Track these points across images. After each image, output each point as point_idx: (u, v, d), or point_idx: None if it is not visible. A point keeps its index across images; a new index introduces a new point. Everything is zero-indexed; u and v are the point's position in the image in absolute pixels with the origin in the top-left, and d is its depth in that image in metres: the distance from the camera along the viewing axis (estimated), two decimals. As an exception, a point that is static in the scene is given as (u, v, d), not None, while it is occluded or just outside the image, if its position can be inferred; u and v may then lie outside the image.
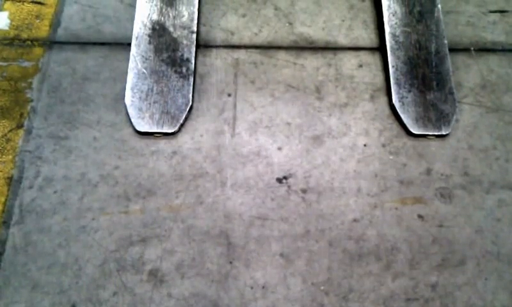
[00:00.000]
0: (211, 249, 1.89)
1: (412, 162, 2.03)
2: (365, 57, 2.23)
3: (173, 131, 2.27)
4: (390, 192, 1.98)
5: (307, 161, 2.03)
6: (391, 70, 2.39)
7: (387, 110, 2.13)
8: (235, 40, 2.25)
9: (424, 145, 2.07)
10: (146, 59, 2.37)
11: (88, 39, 2.24)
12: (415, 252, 1.90)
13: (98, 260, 2.00)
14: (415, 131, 2.31)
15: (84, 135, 2.08)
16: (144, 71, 2.35)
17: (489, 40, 2.27)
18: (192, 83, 2.33)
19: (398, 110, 2.33)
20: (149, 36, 2.41)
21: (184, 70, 2.36)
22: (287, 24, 2.29)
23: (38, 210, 2.08)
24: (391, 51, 2.42)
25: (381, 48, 2.24)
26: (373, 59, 2.22)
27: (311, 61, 2.21)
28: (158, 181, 1.98)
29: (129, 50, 2.21)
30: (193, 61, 2.32)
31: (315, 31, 2.28)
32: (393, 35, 2.44)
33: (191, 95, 2.32)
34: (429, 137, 2.33)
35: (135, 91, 2.33)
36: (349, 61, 2.21)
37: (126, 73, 2.19)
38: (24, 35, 2.32)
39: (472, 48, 2.24)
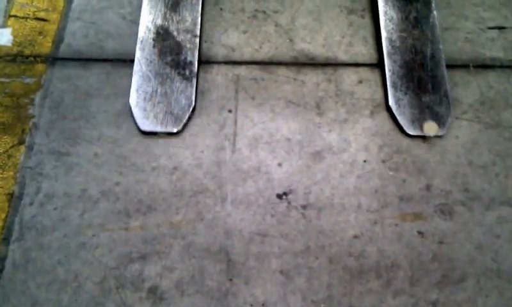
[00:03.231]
0: (211, 266, 1.77)
1: (412, 178, 1.90)
2: (365, 73, 2.11)
3: (176, 130, 2.23)
4: (390, 208, 1.86)
5: (307, 177, 1.91)
6: (387, 74, 2.34)
7: (387, 126, 2.01)
8: (236, 56, 2.13)
9: (424, 161, 1.92)
10: (150, 62, 2.33)
11: (90, 56, 2.13)
12: (415, 269, 1.77)
13: (97, 277, 1.90)
14: (411, 132, 2.26)
15: (86, 151, 1.97)
16: (149, 73, 2.31)
17: (487, 56, 2.15)
18: (195, 85, 2.30)
19: (394, 112, 2.27)
20: (153, 40, 2.37)
21: (187, 72, 2.33)
22: (288, 40, 2.18)
23: (38, 227, 1.98)
24: (387, 55, 2.38)
25: (380, 65, 2.10)
26: (373, 75, 2.10)
27: (311, 77, 2.09)
28: (158, 198, 1.86)
29: (131, 66, 2.11)
30: (196, 64, 2.30)
31: (315, 47, 2.16)
32: (390, 40, 2.40)
33: (193, 96, 2.27)
34: (425, 138, 2.27)
35: (140, 92, 2.29)
36: (349, 77, 2.09)
37: (128, 89, 2.10)
38: (27, 51, 2.22)
39: (471, 65, 2.12)
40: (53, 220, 1.87)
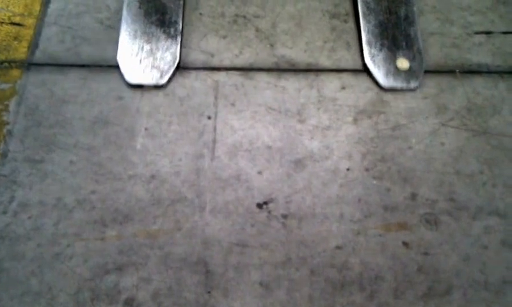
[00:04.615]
0: (189, 278, 1.74)
1: (396, 186, 1.89)
2: (348, 79, 2.10)
3: (162, 83, 2.34)
4: (374, 218, 1.84)
5: (288, 186, 1.89)
6: (363, 34, 2.44)
7: (371, 133, 1.98)
8: (215, 62, 2.12)
9: (408, 170, 1.90)
10: (136, 21, 2.42)
11: (66, 61, 2.11)
12: (400, 281, 1.75)
13: (72, 289, 1.88)
14: (385, 85, 2.35)
15: (61, 159, 1.97)
16: (135, 32, 2.42)
17: (474, 62, 2.14)
18: (179, 42, 2.41)
19: (369, 68, 2.36)
20: (139, 1, 2.47)
21: (172, 31, 2.43)
22: (268, 46, 2.16)
23: (12, 236, 1.96)
24: (363, 16, 2.48)
25: (364, 70, 2.08)
26: (356, 81, 2.08)
27: (292, 83, 2.07)
28: (135, 206, 1.84)
29: (108, 72, 2.11)
30: (180, 23, 2.43)
31: (296, 53, 2.15)
32: (365, 2, 2.50)
33: (178, 53, 2.38)
34: (398, 90, 2.35)
35: (127, 49, 2.38)
36: (331, 83, 2.07)
37: (105, 96, 2.09)
38: (2, 57, 2.22)
39: (457, 70, 2.10)
40: (27, 230, 1.85)
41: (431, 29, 2.26)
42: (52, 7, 2.28)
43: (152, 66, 2.35)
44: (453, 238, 1.99)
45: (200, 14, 2.27)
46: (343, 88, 2.10)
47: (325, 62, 2.17)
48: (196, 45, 2.20)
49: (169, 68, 2.33)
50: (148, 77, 2.30)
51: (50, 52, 2.16)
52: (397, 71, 2.35)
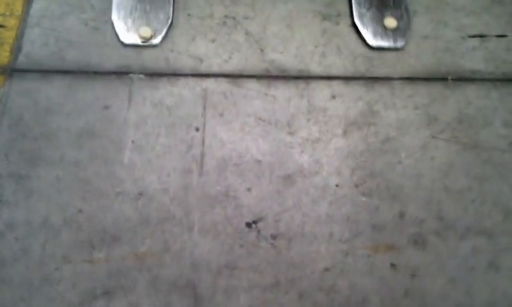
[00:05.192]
0: (177, 301, 1.78)
1: (385, 204, 1.91)
2: (339, 87, 2.08)
3: (155, 43, 2.40)
4: (363, 237, 1.86)
5: (278, 203, 1.90)
6: None
7: (361, 146, 1.98)
8: (204, 68, 2.09)
9: (397, 187, 1.91)
10: None
11: (50, 67, 2.08)
12: (387, 305, 1.77)
13: (61, 314, 1.69)
14: (373, 44, 2.43)
15: (47, 174, 1.99)
16: None
17: (467, 68, 2.13)
18: (172, 2, 2.46)
19: (358, 27, 2.44)
20: None
21: None
22: (258, 50, 2.13)
23: (-1, 258, 1.74)
24: None
25: (355, 77, 2.07)
26: (346, 90, 2.08)
27: (283, 92, 2.05)
28: (123, 226, 1.85)
29: (94, 79, 2.07)
30: None
31: (287, 58, 2.12)
32: None
33: (171, 12, 2.43)
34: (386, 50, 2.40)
35: (120, 9, 2.44)
36: (321, 92, 2.06)
37: (91, 105, 2.09)
38: (-17, 62, 2.03)
39: (450, 78, 2.09)
40: (14, 251, 1.85)
41: (425, 32, 2.23)
42: (35, 7, 2.23)
43: (146, 26, 2.40)
44: (440, 259, 2.03)
45: (189, 15, 2.23)
46: (333, 97, 2.09)
47: (316, 68, 2.14)
48: (184, 49, 2.16)
49: (162, 27, 2.40)
50: (142, 36, 2.35)
51: (34, 57, 2.12)
52: (384, 31, 2.46)
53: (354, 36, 2.24)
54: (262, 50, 2.18)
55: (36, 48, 2.16)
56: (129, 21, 2.40)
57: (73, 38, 2.19)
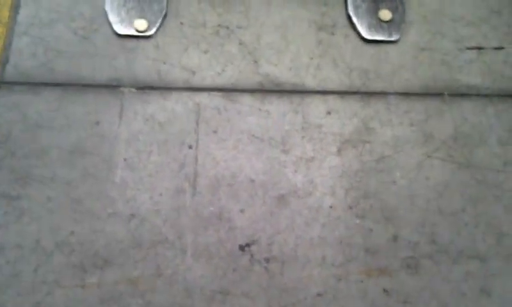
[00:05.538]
0: (171, 328, 1.76)
1: (379, 227, 1.91)
2: (334, 102, 2.06)
3: (149, 34, 2.39)
4: (356, 262, 1.87)
5: (271, 225, 1.90)
6: None
7: (355, 165, 1.97)
8: (196, 81, 2.06)
9: (391, 209, 1.91)
10: None
11: (39, 79, 2.04)
12: (379, 333, 1.79)
13: (53, 342, 1.69)
14: (367, 37, 2.41)
15: (38, 195, 1.94)
16: None
17: (464, 83, 2.11)
18: None
19: (353, 19, 2.43)
20: None
21: None
22: (252, 62, 2.10)
23: (-9, 282, 1.73)
24: None
25: (350, 92, 2.05)
26: (342, 105, 2.05)
27: (277, 107, 2.03)
28: (115, 249, 1.84)
29: (85, 92, 2.04)
30: None
31: (281, 71, 2.09)
32: None
33: (165, 3, 2.41)
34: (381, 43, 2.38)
35: (119, 3, 2.37)
36: (316, 107, 2.04)
37: (82, 120, 2.04)
38: (-30, 73, 1.98)
39: (446, 93, 2.06)
40: (6, 276, 1.84)
41: (422, 44, 2.20)
42: (22, 14, 2.17)
43: (140, 17, 2.38)
44: (433, 284, 2.02)
45: (181, 23, 2.18)
46: (328, 113, 2.07)
47: (311, 82, 2.12)
48: (177, 60, 2.13)
49: (156, 19, 2.38)
50: (136, 27, 2.34)
51: (22, 68, 2.08)
52: (379, 23, 2.42)
53: (350, 46, 2.19)
54: (256, 62, 2.13)
55: (24, 58, 2.11)
56: (123, 13, 2.39)
57: (63, 48, 2.13)
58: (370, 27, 2.39)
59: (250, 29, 2.18)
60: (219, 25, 2.19)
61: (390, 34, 2.42)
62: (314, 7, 2.25)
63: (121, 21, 2.35)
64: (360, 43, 2.21)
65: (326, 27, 2.22)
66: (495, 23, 2.26)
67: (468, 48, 2.19)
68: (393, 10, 2.34)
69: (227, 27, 2.19)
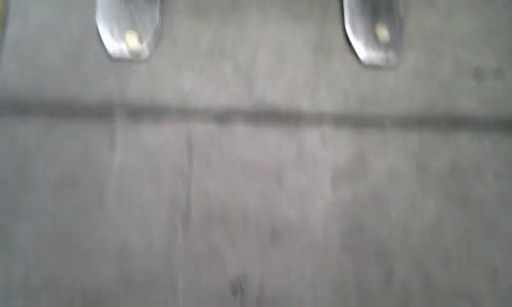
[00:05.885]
0: None
1: (372, 266, 1.54)
2: (329, 130, 1.53)
3: (142, 53, 1.77)
4: (349, 301, 1.59)
5: (263, 263, 1.71)
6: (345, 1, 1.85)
7: (349, 200, 1.36)
8: (190, 106, 1.55)
9: (385, 246, 1.31)
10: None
11: (28, 102, 1.52)
12: None
13: None
14: (364, 58, 1.79)
15: (26, 229, 1.64)
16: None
17: (461, 111, 1.52)
18: (158, 4, 1.80)
19: (349, 38, 1.81)
20: None
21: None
22: (247, 85, 1.46)
23: (-21, 327, 1.60)
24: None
25: (346, 119, 1.40)
26: (337, 134, 1.51)
27: (272, 135, 1.48)
28: (105, 289, 1.53)
29: (74, 116, 1.58)
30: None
31: (277, 95, 1.50)
32: None
33: (158, 18, 1.78)
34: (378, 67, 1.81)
35: (105, 14, 1.77)
36: (311, 136, 1.48)
37: (71, 147, 1.72)
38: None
39: (443, 122, 1.39)
40: (-6, 318, 1.61)
41: (420, 68, 1.57)
42: (10, 30, 1.47)
43: (133, 34, 1.78)
44: (425, 329, 1.67)
45: (175, 42, 1.49)
46: (324, 142, 1.54)
47: (307, 107, 1.59)
48: (170, 83, 1.55)
49: (149, 37, 1.77)
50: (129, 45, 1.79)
51: (10, 89, 1.56)
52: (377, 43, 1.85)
53: (346, 69, 1.52)
54: (250, 85, 1.49)
55: (13, 78, 1.58)
56: (115, 31, 1.76)
57: (52, 69, 1.52)
58: (367, 48, 1.83)
59: (245, 49, 1.54)
60: (213, 44, 1.54)
61: (388, 59, 1.83)
62: (311, 26, 1.62)
63: (114, 39, 1.77)
64: (357, 65, 1.56)
65: (323, 48, 1.57)
66: (494, 46, 1.61)
67: (467, 74, 1.50)
68: (391, 28, 1.49)
69: (221, 47, 1.53)
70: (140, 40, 1.81)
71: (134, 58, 1.80)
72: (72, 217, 1.68)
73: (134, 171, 1.74)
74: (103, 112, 1.78)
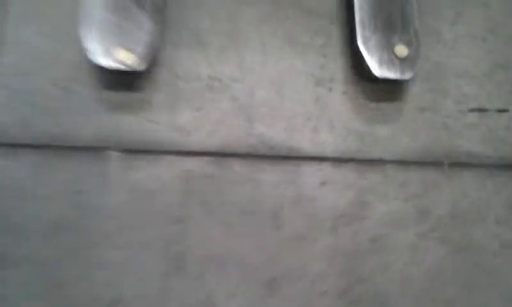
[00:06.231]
0: None
1: None
2: (329, 171, 1.02)
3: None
4: None
5: None
6: (356, 13, 1.29)
7: (349, 246, 0.87)
8: (187, 144, 1.16)
9: (384, 295, 0.94)
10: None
11: (18, 139, 1.08)
12: None
13: None
14: (378, 74, 1.26)
15: (15, 278, 1.17)
16: (106, 8, 1.20)
17: (464, 150, 1.02)
18: (159, 23, 1.25)
19: (363, 53, 1.27)
20: None
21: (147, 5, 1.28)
22: (245, 122, 0.95)
23: None
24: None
25: (346, 159, 0.85)
26: (337, 174, 1.02)
27: (270, 176, 0.97)
28: None
29: (66, 156, 1.12)
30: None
31: (276, 133, 0.97)
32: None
33: (153, 31, 1.22)
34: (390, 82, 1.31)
35: (96, 28, 1.19)
36: (311, 177, 1.01)
37: (62, 190, 1.23)
38: None
39: (446, 162, 0.85)
40: None
41: (423, 103, 1.08)
42: (4, 63, 0.93)
43: (130, 58, 1.21)
44: None
45: (172, 74, 0.91)
46: (323, 184, 1.04)
47: (307, 146, 1.10)
48: (169, 121, 1.09)
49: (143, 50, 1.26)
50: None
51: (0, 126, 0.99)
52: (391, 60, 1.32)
53: (347, 105, 0.97)
54: (249, 122, 0.98)
55: (2, 114, 0.89)
56: (106, 42, 1.19)
57: (43, 103, 1.06)
58: (381, 64, 1.24)
59: (244, 82, 1.06)
60: (211, 78, 0.96)
61: (403, 73, 1.25)
62: (312, 59, 1.16)
63: (104, 54, 1.18)
64: (358, 101, 0.97)
65: (324, 82, 1.09)
66: (499, 80, 1.17)
67: (470, 110, 0.98)
68: (408, 42, 1.27)
69: (220, 80, 0.97)
70: (138, 65, 1.23)
71: (130, 70, 1.25)
72: (63, 265, 1.27)
73: (127, 214, 1.31)
74: (95, 150, 1.25)
